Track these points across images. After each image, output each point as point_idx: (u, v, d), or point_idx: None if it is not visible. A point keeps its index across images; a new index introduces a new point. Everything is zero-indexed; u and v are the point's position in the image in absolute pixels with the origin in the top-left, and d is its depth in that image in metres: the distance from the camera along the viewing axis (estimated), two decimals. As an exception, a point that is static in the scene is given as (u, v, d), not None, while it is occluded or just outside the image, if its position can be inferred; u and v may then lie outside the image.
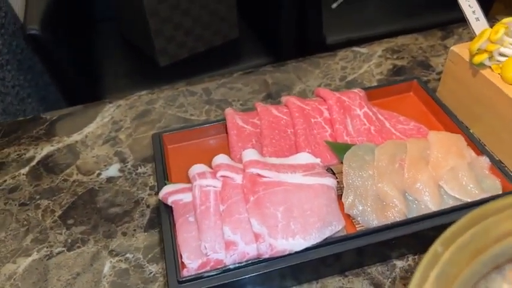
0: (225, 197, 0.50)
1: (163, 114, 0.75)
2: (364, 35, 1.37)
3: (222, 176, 0.52)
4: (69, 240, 0.57)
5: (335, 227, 0.50)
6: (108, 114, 0.76)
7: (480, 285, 0.28)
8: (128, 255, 0.55)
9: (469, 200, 0.52)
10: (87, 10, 1.55)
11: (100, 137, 0.72)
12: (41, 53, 1.17)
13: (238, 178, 0.52)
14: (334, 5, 1.52)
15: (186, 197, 0.52)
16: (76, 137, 0.73)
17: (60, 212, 0.61)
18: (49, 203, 0.62)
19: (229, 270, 0.47)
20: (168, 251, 0.49)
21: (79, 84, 1.31)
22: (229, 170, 0.52)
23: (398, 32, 0.91)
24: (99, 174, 0.66)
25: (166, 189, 0.53)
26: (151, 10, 1.21)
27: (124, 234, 0.58)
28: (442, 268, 0.26)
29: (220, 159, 0.54)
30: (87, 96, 1.26)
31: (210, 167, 0.55)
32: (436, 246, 0.27)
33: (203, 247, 0.48)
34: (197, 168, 0.54)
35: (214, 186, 0.52)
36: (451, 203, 0.52)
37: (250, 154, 0.54)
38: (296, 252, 0.48)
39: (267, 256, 0.47)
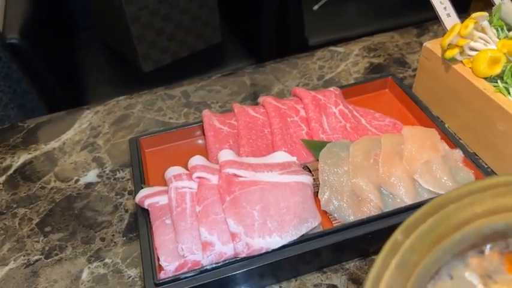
0: (201, 198, 0.50)
1: (142, 119, 0.75)
2: (346, 35, 1.38)
3: (197, 177, 0.52)
4: (47, 248, 0.57)
5: (311, 223, 0.50)
6: (86, 121, 0.76)
7: (443, 272, 0.29)
8: (106, 260, 0.55)
9: (443, 193, 0.53)
10: (68, 18, 1.54)
11: (78, 144, 0.72)
12: (21, 62, 1.17)
13: (214, 179, 0.52)
14: (316, 7, 1.53)
15: (162, 200, 0.52)
16: (54, 144, 0.72)
17: (37, 220, 0.60)
18: (26, 211, 0.62)
19: (207, 270, 0.47)
20: (145, 254, 0.49)
21: (61, 93, 1.30)
22: (204, 171, 0.52)
23: (379, 31, 0.92)
24: (77, 180, 0.66)
25: (143, 192, 0.53)
26: (132, 16, 1.21)
27: (102, 239, 0.57)
28: (402, 256, 0.27)
29: (196, 160, 0.54)
30: (69, 104, 1.25)
31: (187, 169, 0.55)
32: (397, 234, 0.27)
33: (180, 249, 0.48)
34: (173, 170, 0.54)
35: (190, 188, 0.52)
36: (425, 196, 0.53)
37: (226, 154, 0.54)
38: (273, 250, 0.48)
39: (244, 255, 0.47)
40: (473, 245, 0.29)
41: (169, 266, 0.48)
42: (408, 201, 0.52)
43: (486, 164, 0.61)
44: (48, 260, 0.56)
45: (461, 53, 0.63)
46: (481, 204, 0.29)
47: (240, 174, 0.52)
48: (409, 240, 0.27)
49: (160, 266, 0.48)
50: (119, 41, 1.37)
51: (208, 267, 0.47)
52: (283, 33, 1.46)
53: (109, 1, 1.24)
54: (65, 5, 1.50)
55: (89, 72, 1.39)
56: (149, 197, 0.53)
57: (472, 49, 0.62)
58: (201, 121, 0.65)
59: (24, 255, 0.56)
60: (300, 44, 1.47)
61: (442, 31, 0.89)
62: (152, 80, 1.32)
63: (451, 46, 0.63)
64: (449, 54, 0.63)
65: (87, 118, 0.77)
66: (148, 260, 0.48)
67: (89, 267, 0.54)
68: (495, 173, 0.60)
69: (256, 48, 1.45)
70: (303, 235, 0.49)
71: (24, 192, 0.64)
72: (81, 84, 1.36)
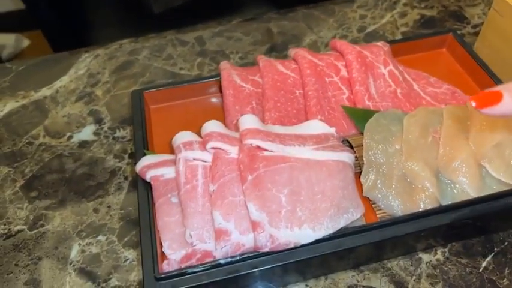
0: (216, 175, 0.40)
1: (148, 67, 0.64)
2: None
3: (213, 148, 0.42)
4: (31, 217, 0.48)
5: (352, 214, 0.40)
6: (83, 66, 0.65)
7: None
8: (100, 237, 0.46)
9: (518, 185, 0.42)
10: None
11: (73, 93, 0.61)
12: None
13: (233, 151, 0.42)
14: None
15: (169, 172, 0.43)
16: (45, 91, 0.62)
17: (22, 182, 0.51)
18: (9, 171, 0.53)
19: (220, 265, 0.38)
20: (145, 238, 0.40)
21: (63, 33, 1.19)
22: (222, 140, 0.42)
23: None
24: (70, 137, 0.56)
25: (145, 161, 0.43)
26: None
27: (96, 211, 0.48)
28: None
29: (212, 126, 0.43)
30: (69, 45, 1.14)
31: (200, 134, 0.44)
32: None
33: (188, 235, 0.39)
34: (183, 136, 0.44)
35: (203, 161, 0.42)
36: (494, 188, 0.43)
37: (248, 121, 0.44)
38: (302, 246, 0.39)
39: (266, 250, 0.38)
40: None
41: (173, 255, 0.39)
42: (472, 192, 0.42)
43: None
44: (33, 232, 0.47)
45: (550, 7, 0.50)
46: None
47: (266, 148, 0.42)
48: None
49: (162, 253, 0.40)
50: (127, -24, 1.23)
51: (221, 261, 0.38)
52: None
53: None
54: None
55: (95, 11, 1.26)
56: (152, 167, 0.43)
57: None
58: (218, 75, 0.54)
59: (4, 224, 0.48)
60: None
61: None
62: (162, 23, 1.19)
63: (538, -2, 0.50)
64: (534, 8, 0.50)
65: (85, 63, 0.66)
66: (149, 247, 0.39)
67: (79, 244, 0.46)
68: None
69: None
70: (340, 228, 0.40)
71: (9, 148, 0.55)
72: (85, 24, 1.23)
